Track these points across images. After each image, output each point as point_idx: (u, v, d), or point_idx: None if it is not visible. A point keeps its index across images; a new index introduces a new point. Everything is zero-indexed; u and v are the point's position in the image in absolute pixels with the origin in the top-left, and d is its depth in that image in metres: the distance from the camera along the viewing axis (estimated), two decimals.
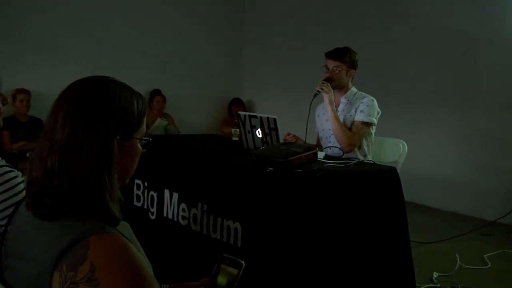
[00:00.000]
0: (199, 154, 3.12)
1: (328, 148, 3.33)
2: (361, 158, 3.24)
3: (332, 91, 3.33)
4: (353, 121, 3.35)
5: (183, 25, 6.78)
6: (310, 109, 3.36)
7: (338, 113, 3.42)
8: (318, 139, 3.63)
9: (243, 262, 1.25)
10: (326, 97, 3.31)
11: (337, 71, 3.35)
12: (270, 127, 2.99)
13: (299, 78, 6.39)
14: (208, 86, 7.07)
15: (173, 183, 2.99)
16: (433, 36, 5.36)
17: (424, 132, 5.42)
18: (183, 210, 2.86)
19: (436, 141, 5.37)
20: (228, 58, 7.27)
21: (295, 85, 6.55)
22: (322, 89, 3.30)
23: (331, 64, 3.39)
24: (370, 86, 5.38)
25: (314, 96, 3.36)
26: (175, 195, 2.93)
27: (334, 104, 3.43)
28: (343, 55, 3.36)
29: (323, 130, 3.55)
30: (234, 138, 3.58)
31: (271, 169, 2.46)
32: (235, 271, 1.24)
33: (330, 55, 3.40)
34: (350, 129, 3.34)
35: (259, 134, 3.08)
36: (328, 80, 3.36)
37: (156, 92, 6.41)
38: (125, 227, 1.20)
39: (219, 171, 2.75)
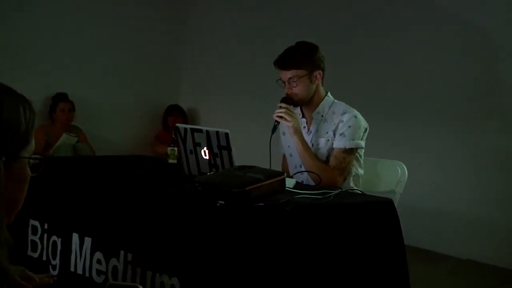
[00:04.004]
0: (122, 183, 3.09)
1: (300, 173, 3.36)
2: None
3: (296, 115, 3.32)
4: (332, 148, 3.36)
5: (101, 11, 6.77)
6: (270, 146, 3.36)
7: (310, 136, 3.42)
8: (285, 163, 3.65)
9: (139, 286, 1.32)
10: (289, 127, 3.30)
11: (295, 84, 3.34)
12: (221, 145, 3.00)
13: (257, 79, 6.45)
14: (134, 89, 7.03)
15: (84, 225, 2.95)
16: (442, 34, 5.45)
17: (429, 153, 5.52)
18: (99, 261, 2.83)
19: (445, 166, 5.47)
20: (162, 53, 7.26)
21: (252, 88, 6.59)
22: (281, 117, 3.28)
23: (285, 75, 3.35)
24: (360, 96, 5.50)
25: (273, 131, 3.36)
26: (87, 241, 2.90)
27: (306, 122, 3.46)
28: (298, 59, 3.33)
29: (291, 155, 3.54)
30: (171, 161, 3.57)
31: (222, 202, 2.47)
32: None
33: (280, 64, 3.36)
34: (328, 158, 3.36)
35: (205, 155, 3.08)
36: (287, 100, 3.35)
37: (60, 97, 6.34)
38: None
39: (150, 207, 2.74)
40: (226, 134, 2.96)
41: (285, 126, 3.45)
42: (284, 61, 3.35)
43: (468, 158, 5.35)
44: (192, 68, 7.35)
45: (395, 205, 2.86)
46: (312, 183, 3.28)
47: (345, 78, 5.74)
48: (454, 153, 5.42)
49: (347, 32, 5.99)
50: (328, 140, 3.37)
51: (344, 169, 3.33)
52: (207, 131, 3.04)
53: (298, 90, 3.34)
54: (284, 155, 3.64)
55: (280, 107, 3.30)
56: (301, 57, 3.34)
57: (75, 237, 2.95)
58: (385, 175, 3.69)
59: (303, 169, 3.38)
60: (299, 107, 3.46)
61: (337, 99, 3.50)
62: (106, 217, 2.89)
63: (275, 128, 3.38)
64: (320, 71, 3.40)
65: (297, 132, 3.31)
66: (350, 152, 3.34)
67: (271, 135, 3.37)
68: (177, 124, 3.26)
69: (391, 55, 5.74)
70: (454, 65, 5.43)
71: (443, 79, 5.49)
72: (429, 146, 5.54)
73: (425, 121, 5.58)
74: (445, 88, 5.47)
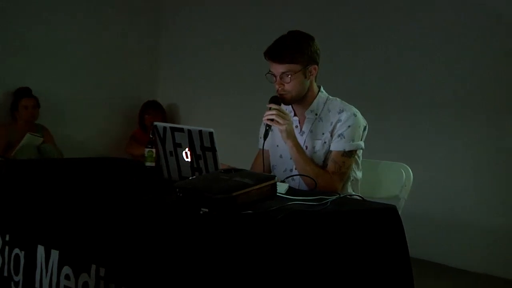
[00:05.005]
0: (93, 189, 3.09)
1: (291, 179, 3.36)
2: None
3: (289, 117, 3.30)
4: (329, 151, 3.36)
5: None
6: (263, 153, 3.36)
7: (303, 137, 3.41)
8: (259, 159, 3.55)
9: None
10: (282, 131, 3.28)
11: (288, 79, 3.31)
12: (204, 146, 3.00)
13: (244, 72, 6.46)
14: (107, 84, 7.03)
15: (51, 236, 2.95)
16: (452, 21, 5.42)
17: (438, 154, 5.52)
18: (67, 277, 2.82)
19: (456, 168, 5.47)
20: (139, 44, 7.26)
21: (239, 82, 6.60)
22: (272, 120, 3.25)
23: (277, 69, 3.32)
24: (358, 90, 5.50)
25: (265, 136, 3.31)
26: (54, 254, 2.90)
27: (298, 121, 3.44)
28: (293, 52, 3.30)
29: (281, 157, 3.52)
30: (148, 163, 3.57)
31: (206, 210, 2.47)
32: None
33: (273, 56, 3.33)
34: (324, 162, 3.36)
35: (187, 157, 3.09)
36: (277, 100, 3.32)
37: (23, 93, 6.32)
38: None
39: (125, 216, 2.74)
40: (210, 134, 2.96)
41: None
42: (278, 53, 3.32)
43: (482, 159, 5.34)
44: (172, 60, 7.34)
45: (399, 212, 2.86)
46: (305, 188, 3.29)
47: (341, 70, 5.76)
48: (466, 153, 5.41)
49: (342, 19, 5.98)
50: (325, 142, 3.38)
51: (344, 174, 3.34)
52: (189, 130, 3.04)
53: (291, 86, 3.32)
54: (261, 150, 3.53)
55: (270, 109, 3.28)
56: (297, 49, 3.31)
57: (40, 249, 2.95)
58: (388, 179, 3.69)
59: (294, 173, 3.38)
60: (290, 105, 3.47)
61: (333, 94, 3.50)
62: (75, 227, 2.88)
63: (267, 133, 3.32)
64: (316, 66, 3.39)
65: (291, 136, 3.29)
66: (350, 155, 3.35)
67: (263, 142, 3.33)
68: (155, 123, 3.25)
69: (393, 44, 5.74)
70: (465, 55, 5.41)
71: (453, 70, 5.48)
72: (437, 146, 5.54)
73: (432, 117, 5.56)
74: (455, 80, 5.46)
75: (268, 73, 3.37)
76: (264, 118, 3.29)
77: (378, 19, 5.82)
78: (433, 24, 5.54)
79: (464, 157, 5.42)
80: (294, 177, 3.37)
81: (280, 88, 3.33)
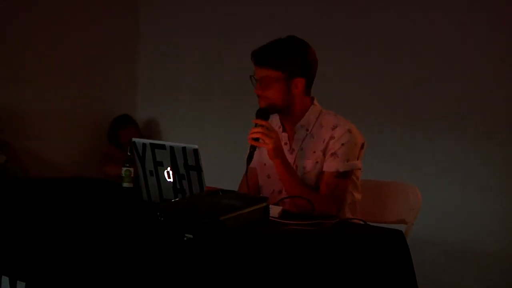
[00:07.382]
0: (63, 213, 3.09)
1: (282, 201, 3.32)
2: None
3: (276, 134, 3.26)
4: (322, 171, 3.36)
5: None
6: (247, 178, 3.36)
7: (292, 156, 3.40)
8: (244, 181, 3.48)
9: None
10: (269, 150, 3.25)
11: (267, 86, 3.33)
12: (188, 164, 3.01)
13: (234, 83, 6.45)
14: (77, 95, 7.00)
15: (16, 265, 2.95)
16: (468, 14, 5.46)
17: (450, 173, 5.51)
18: None
19: (471, 189, 5.42)
20: (112, 51, 7.25)
21: (227, 93, 6.59)
22: (256, 139, 3.22)
23: (258, 73, 3.37)
24: (355, 100, 5.46)
25: (249, 160, 3.29)
26: (21, 286, 2.90)
27: (287, 138, 3.44)
28: (276, 58, 3.32)
29: (268, 177, 3.52)
30: (125, 184, 3.57)
31: (190, 236, 2.48)
32: None
33: (255, 58, 3.37)
34: (316, 184, 3.35)
35: (169, 177, 3.10)
36: (264, 113, 3.32)
37: None
38: None
39: (99, 243, 2.74)
40: (195, 151, 2.97)
41: None
42: (260, 56, 3.37)
43: (502, 178, 5.31)
44: (151, 68, 7.33)
45: (407, 238, 2.88)
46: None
47: (335, 77, 5.73)
48: (483, 173, 5.37)
49: (334, 15, 5.98)
50: (317, 162, 3.38)
51: (337, 197, 3.34)
52: (171, 147, 3.05)
53: (269, 94, 3.35)
54: (248, 170, 3.46)
55: (256, 125, 3.27)
56: (282, 56, 3.34)
57: (5, 281, 2.95)
58: (393, 201, 3.69)
59: (284, 194, 3.38)
60: (278, 118, 3.49)
61: (329, 107, 3.50)
62: (44, 256, 2.88)
63: (251, 156, 3.31)
64: (302, 79, 3.39)
65: (278, 153, 3.27)
66: (345, 176, 3.35)
67: (247, 167, 3.33)
68: (134, 139, 3.25)
69: (397, 44, 5.70)
70: (483, 54, 5.35)
71: (467, 73, 5.45)
72: (449, 163, 5.52)
73: (443, 130, 5.53)
74: (470, 86, 5.40)
75: (252, 75, 3.42)
76: (248, 138, 3.28)
77: (383, 19, 5.83)
78: (445, 24, 5.54)
79: (481, 177, 5.37)
80: (285, 200, 3.31)
81: (257, 93, 3.39)
